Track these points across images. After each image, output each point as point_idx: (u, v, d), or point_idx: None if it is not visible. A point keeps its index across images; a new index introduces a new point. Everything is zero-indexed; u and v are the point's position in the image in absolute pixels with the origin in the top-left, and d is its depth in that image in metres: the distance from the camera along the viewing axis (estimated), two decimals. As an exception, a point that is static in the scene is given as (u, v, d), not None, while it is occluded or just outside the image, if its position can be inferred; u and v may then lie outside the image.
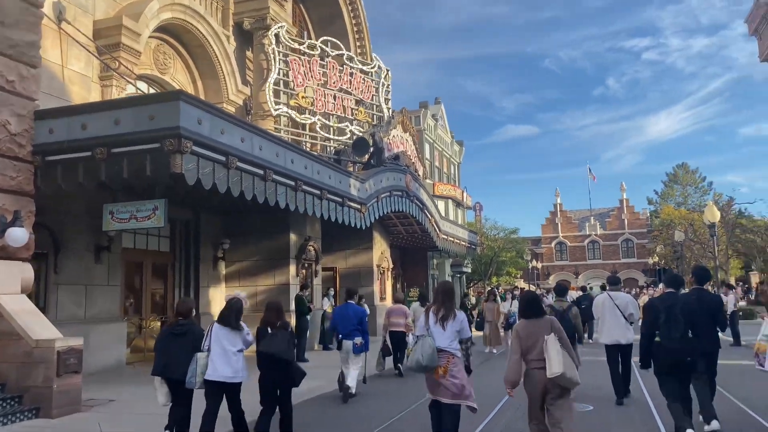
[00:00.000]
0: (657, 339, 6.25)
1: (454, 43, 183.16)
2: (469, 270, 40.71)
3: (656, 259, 57.54)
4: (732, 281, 34.40)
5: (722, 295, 17.96)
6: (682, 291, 7.09)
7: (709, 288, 10.63)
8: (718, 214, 23.36)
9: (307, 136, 20.08)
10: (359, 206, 15.99)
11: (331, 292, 18.44)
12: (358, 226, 16.25)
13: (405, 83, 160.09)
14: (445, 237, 26.09)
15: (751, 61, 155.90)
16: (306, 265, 17.70)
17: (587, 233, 69.34)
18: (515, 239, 47.00)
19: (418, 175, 22.57)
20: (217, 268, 17.27)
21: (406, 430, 7.48)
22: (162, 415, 8.24)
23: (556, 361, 5.21)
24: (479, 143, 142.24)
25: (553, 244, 70.61)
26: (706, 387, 6.79)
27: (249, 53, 20.16)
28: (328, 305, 17.59)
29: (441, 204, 35.87)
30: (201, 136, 9.58)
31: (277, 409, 6.85)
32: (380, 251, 23.19)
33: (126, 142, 9.36)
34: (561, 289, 9.82)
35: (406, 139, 21.43)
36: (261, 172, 11.39)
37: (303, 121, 19.84)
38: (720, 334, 7.29)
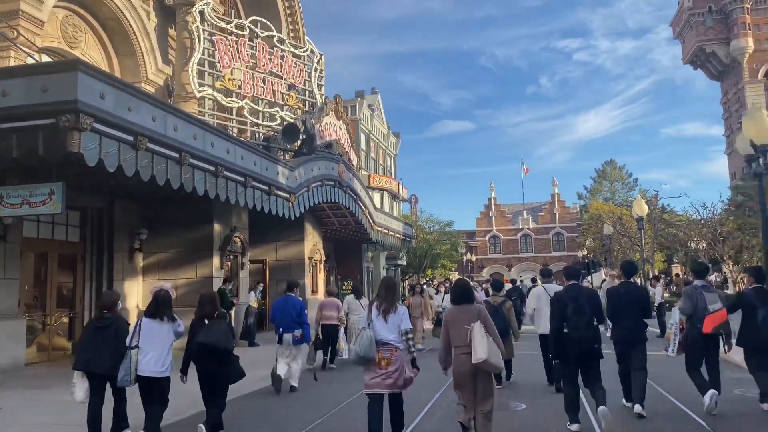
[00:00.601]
0: (565, 330, 6.49)
1: (391, 37, 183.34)
2: (404, 263, 40.45)
3: (585, 252, 59.29)
4: (655, 273, 35.61)
5: (649, 287, 18.31)
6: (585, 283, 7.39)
7: (636, 280, 11.04)
8: (646, 208, 23.88)
9: (235, 121, 19.03)
10: (288, 195, 15.19)
11: (260, 287, 17.52)
12: (287, 217, 15.46)
13: (341, 76, 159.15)
14: (380, 229, 25.59)
15: (673, 64, 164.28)
16: (231, 257, 16.74)
17: (520, 227, 70.73)
18: (450, 232, 47.10)
19: (352, 165, 21.92)
20: (133, 259, 16.05)
21: (340, 427, 7.24)
22: (50, 424, 7.34)
23: (480, 347, 5.46)
24: (417, 137, 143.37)
25: (487, 238, 71.62)
26: (639, 374, 7.10)
27: (172, 31, 18.89)
28: (253, 299, 16.69)
29: (376, 196, 35.38)
30: (103, 112, 8.62)
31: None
32: (312, 243, 22.42)
33: (15, 116, 8.31)
34: (497, 284, 10.06)
35: (340, 127, 20.71)
36: (176, 155, 10.48)
37: (230, 105, 18.77)
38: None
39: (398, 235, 29.76)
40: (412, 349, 6.03)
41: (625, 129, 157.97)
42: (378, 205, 33.11)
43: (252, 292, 16.75)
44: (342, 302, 12.84)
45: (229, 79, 18.53)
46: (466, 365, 5.59)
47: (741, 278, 34.68)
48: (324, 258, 24.95)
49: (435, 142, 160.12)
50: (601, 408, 6.30)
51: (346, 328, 12.32)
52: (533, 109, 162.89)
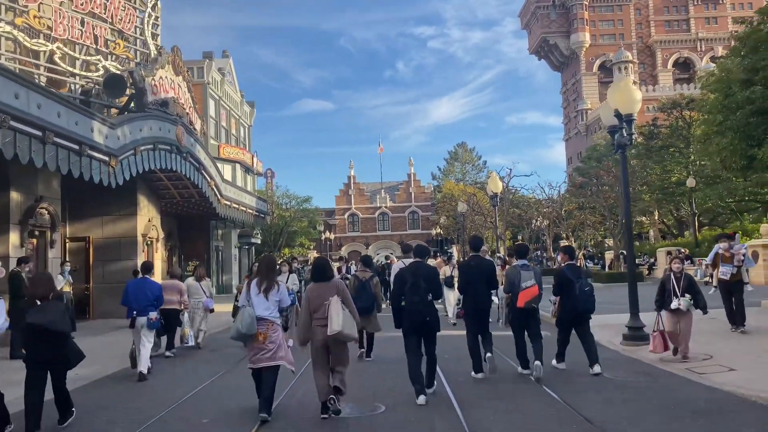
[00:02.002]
0: (403, 303, 6.96)
1: (249, 9, 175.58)
2: (259, 241, 38.14)
3: (439, 230, 60.78)
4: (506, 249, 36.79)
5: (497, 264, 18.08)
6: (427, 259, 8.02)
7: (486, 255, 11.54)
8: (500, 185, 23.99)
9: (44, 69, 15.70)
10: (107, 158, 12.61)
11: (67, 268, 14.60)
12: (107, 184, 12.89)
13: (194, 47, 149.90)
14: (229, 203, 23.26)
15: (518, 56, 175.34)
16: (36, 233, 13.77)
17: (378, 205, 70.98)
18: (308, 209, 45.31)
19: (194, 129, 19.34)
20: None
21: (200, 407, 7.01)
22: None
23: (336, 320, 5.90)
24: (276, 114, 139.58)
25: (346, 216, 71.06)
26: (487, 339, 7.97)
27: (-43, -49, 15.05)
28: (63, 282, 13.83)
29: (227, 168, 32.69)
30: None
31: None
32: (147, 218, 19.64)
33: None
34: (366, 260, 10.42)
35: (179, 84, 18.00)
36: (-70, 93, 7.76)
37: (36, 48, 15.40)
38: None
39: (251, 211, 27.54)
40: (289, 325, 6.70)
41: (473, 116, 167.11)
42: (229, 178, 30.52)
43: (60, 276, 13.86)
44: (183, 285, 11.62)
45: (35, 17, 15.13)
46: (322, 336, 6.05)
47: (582, 254, 36.92)
48: (163, 235, 22.17)
49: (295, 120, 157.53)
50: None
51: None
52: (390, 93, 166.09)
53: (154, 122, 15.20)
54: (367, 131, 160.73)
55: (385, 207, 70.87)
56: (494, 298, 9.11)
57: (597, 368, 7.80)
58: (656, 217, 39.49)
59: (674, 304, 8.46)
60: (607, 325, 12.66)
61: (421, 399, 6.59)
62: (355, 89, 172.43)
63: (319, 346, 6.13)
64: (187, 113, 18.65)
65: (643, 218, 43.02)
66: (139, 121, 14.36)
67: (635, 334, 10.29)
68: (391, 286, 10.90)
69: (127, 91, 15.38)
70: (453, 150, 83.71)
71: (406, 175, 72.45)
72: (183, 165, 17.51)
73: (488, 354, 7.81)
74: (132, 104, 15.30)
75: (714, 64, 50.67)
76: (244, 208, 26.04)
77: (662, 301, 8.69)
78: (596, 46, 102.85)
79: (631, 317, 10.45)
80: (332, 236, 67.10)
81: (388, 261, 23.24)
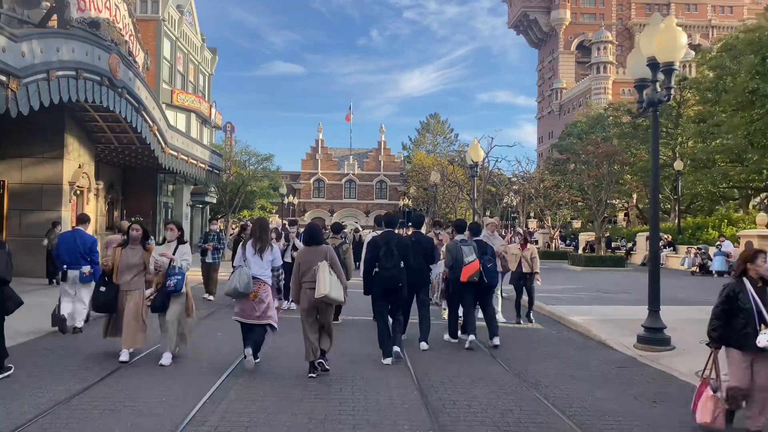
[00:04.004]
0: (376, 269, 7.22)
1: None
2: (214, 200, 35.30)
3: (407, 201, 58.77)
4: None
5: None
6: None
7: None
8: (482, 153, 21.87)
9: (-58, -32, 12.69)
10: (4, 78, 9.89)
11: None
12: (2, 111, 10.17)
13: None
14: (175, 154, 20.53)
15: (492, 33, 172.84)
16: None
17: (345, 172, 68.46)
18: (270, 170, 42.43)
19: (135, 63, 16.49)
20: None
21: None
22: None
23: (322, 283, 6.27)
24: (245, 75, 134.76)
25: (311, 181, 68.46)
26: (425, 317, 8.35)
27: None
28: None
29: (182, 117, 29.70)
30: None
31: None
32: (77, 164, 16.93)
33: None
34: (336, 227, 10.76)
35: (116, 5, 15.10)
36: None
37: (-72, -62, 12.38)
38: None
39: (202, 165, 24.81)
40: (281, 282, 6.83)
41: (444, 90, 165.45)
42: (183, 129, 27.63)
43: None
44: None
45: None
46: (311, 298, 6.44)
47: (556, 234, 35.37)
48: (99, 186, 19.48)
49: (265, 81, 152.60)
50: (398, 344, 7.37)
51: None
52: (363, 61, 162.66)
53: (77, 44, 12.41)
54: (337, 98, 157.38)
55: (353, 174, 68.38)
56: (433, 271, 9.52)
57: (496, 340, 8.29)
58: (634, 201, 38.10)
59: (763, 341, 4.63)
60: (608, 319, 10.75)
61: (387, 360, 7.15)
62: (328, 55, 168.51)
63: (308, 307, 6.47)
64: (127, 41, 15.80)
65: (616, 201, 41.68)
66: (55, 39, 11.56)
67: (654, 336, 8.35)
68: (363, 254, 10.38)
69: (46, 4, 12.52)
70: (425, 120, 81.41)
71: (375, 143, 69.93)
72: (117, 102, 14.78)
73: (423, 343, 8.20)
74: (52, 21, 12.47)
75: (693, 52, 49.22)
76: (195, 161, 23.32)
77: (725, 329, 4.90)
78: (576, 25, 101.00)
79: (650, 315, 8.49)
80: (296, 201, 64.41)
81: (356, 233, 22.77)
